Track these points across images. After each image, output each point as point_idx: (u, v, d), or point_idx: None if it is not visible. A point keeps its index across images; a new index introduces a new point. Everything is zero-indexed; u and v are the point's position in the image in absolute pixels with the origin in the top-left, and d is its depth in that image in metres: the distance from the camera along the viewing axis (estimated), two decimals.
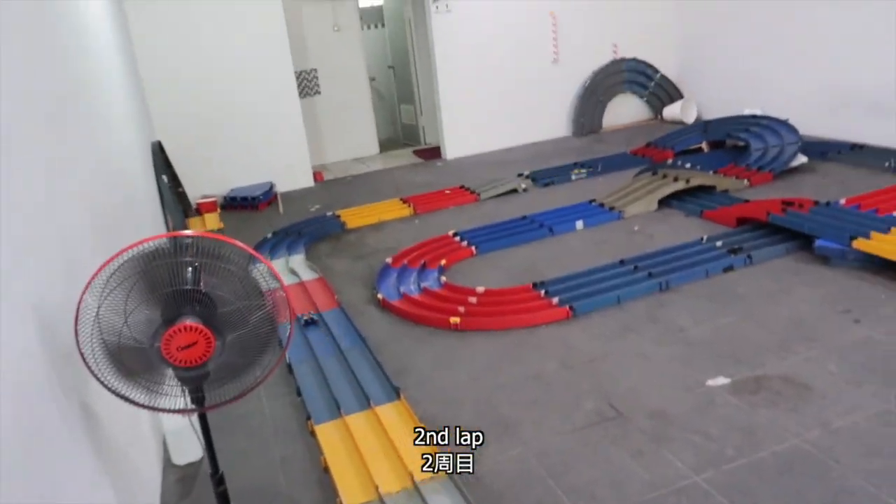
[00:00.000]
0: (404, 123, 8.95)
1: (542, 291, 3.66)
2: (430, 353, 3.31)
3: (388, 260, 4.36)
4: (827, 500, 2.10)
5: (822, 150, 5.65)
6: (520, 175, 6.23)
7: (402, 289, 3.95)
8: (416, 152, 8.04)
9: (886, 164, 5.12)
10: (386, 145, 8.54)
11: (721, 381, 2.77)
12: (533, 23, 7.42)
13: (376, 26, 9.08)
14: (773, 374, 2.78)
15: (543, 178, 6.03)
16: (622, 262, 3.92)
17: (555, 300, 3.54)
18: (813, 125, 5.98)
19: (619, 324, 3.35)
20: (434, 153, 7.75)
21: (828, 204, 4.13)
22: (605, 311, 3.49)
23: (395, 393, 2.89)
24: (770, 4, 6.54)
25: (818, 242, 3.70)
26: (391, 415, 2.77)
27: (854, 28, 5.75)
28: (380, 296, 3.87)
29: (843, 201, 4.29)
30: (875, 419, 2.43)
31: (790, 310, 3.27)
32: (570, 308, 3.47)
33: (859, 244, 3.52)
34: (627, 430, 2.55)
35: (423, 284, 3.97)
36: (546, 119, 7.75)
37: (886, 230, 3.59)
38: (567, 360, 3.09)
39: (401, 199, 5.87)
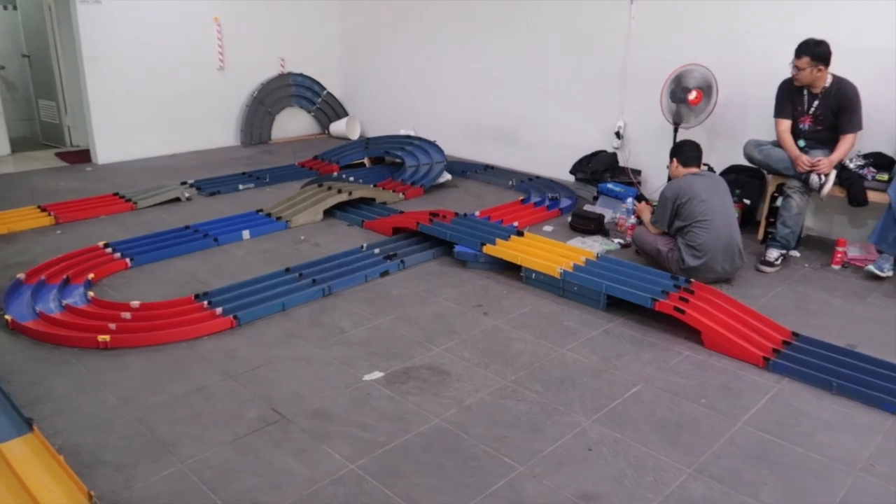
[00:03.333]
0: (44, 121, 7.82)
1: (205, 302, 3.55)
2: (74, 376, 2.97)
3: (21, 276, 3.78)
4: (460, 467, 2.42)
5: (462, 170, 6.50)
6: (183, 183, 5.93)
7: (39, 307, 3.46)
8: (60, 155, 7.10)
9: (510, 182, 6.11)
10: (20, 145, 7.37)
11: (376, 375, 3.01)
12: (197, 27, 7.13)
13: (6, 7, 7.79)
14: (421, 364, 3.11)
15: (209, 188, 5.83)
16: (288, 270, 4.00)
17: (218, 310, 3.45)
18: (455, 147, 6.85)
19: (284, 330, 3.41)
20: (83, 156, 6.93)
21: (465, 215, 4.76)
22: (271, 319, 3.52)
23: (26, 425, 2.52)
24: (414, 49, 7.34)
25: (457, 248, 4.25)
26: (22, 450, 2.41)
27: (481, 72, 6.74)
28: (8, 317, 3.34)
29: (477, 213, 4.99)
30: (496, 394, 2.88)
31: (436, 308, 3.70)
32: (235, 317, 3.42)
33: (488, 249, 4.15)
34: (290, 432, 2.61)
35: (65, 301, 3.53)
36: (213, 127, 7.50)
37: (507, 237, 4.28)
38: (231, 370, 3.04)
39: (39, 207, 5.12)
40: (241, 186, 5.94)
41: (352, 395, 2.86)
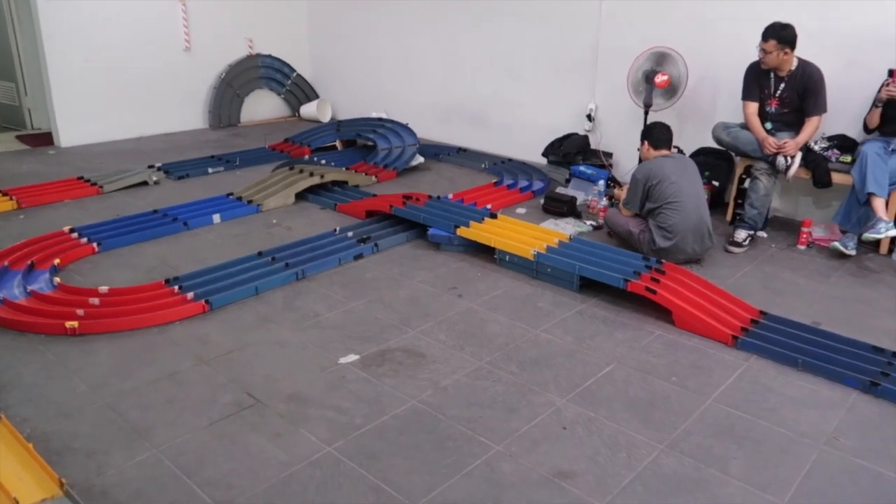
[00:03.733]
0: (3, 103, 7.59)
1: (176, 287, 3.50)
2: (41, 364, 2.91)
3: None
4: (436, 447, 2.44)
5: (435, 152, 6.48)
6: (151, 167, 5.81)
7: (3, 294, 3.38)
8: (21, 138, 6.91)
9: (483, 165, 6.11)
10: None
11: (351, 358, 3.01)
12: (162, 5, 6.96)
13: None
14: (396, 347, 3.11)
15: (178, 171, 5.73)
16: (260, 254, 3.96)
17: (190, 295, 3.41)
18: (428, 130, 6.82)
19: (257, 315, 3.38)
20: (45, 139, 6.75)
21: (438, 198, 4.76)
22: (244, 303, 3.49)
23: None
24: (385, 31, 7.26)
25: (431, 231, 4.25)
26: None
27: (453, 54, 6.70)
28: None
29: (450, 196, 4.98)
30: (472, 376, 2.90)
31: (410, 290, 3.69)
32: (207, 302, 3.38)
33: (461, 231, 4.15)
34: (265, 416, 2.60)
35: (30, 288, 3.45)
36: (180, 109, 7.35)
37: (481, 220, 4.29)
38: (203, 355, 3.01)
39: (0, 191, 4.98)
40: (210, 170, 5.85)
41: (327, 379, 2.85)
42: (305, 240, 4.23)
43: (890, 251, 4.27)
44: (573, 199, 4.93)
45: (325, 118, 7.89)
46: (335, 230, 4.39)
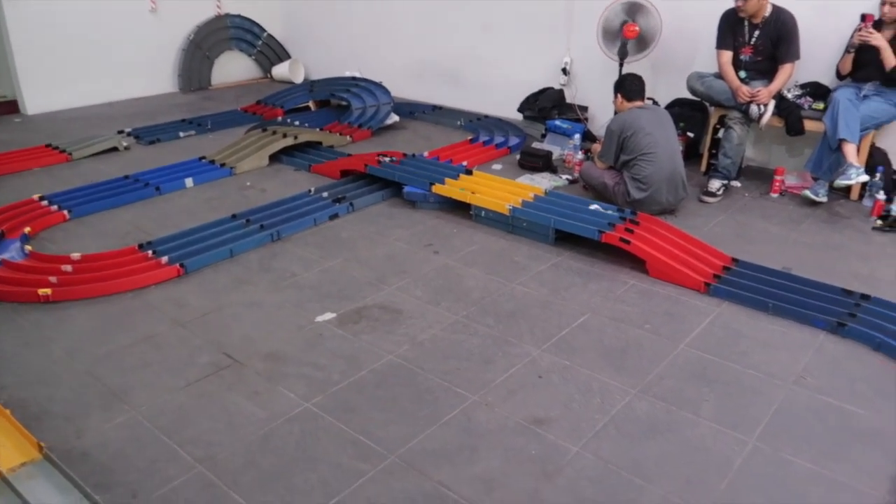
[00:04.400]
0: None
1: (150, 252, 3.47)
2: (15, 332, 2.89)
3: None
4: (414, 400, 2.47)
5: (410, 111, 6.41)
6: (120, 132, 5.70)
7: None
8: None
9: (458, 122, 6.06)
10: None
11: (328, 316, 3.02)
12: None
13: None
14: (373, 304, 3.12)
15: (148, 136, 5.63)
16: (234, 217, 3.93)
17: (164, 259, 3.39)
18: (402, 88, 6.73)
19: (233, 277, 3.37)
20: (10, 107, 6.56)
21: (414, 156, 4.73)
22: (219, 266, 3.47)
23: None
24: None
25: (406, 189, 4.23)
26: None
27: (427, 11, 6.57)
28: None
29: (426, 154, 4.95)
30: (448, 330, 2.93)
31: (386, 249, 3.69)
32: (181, 266, 3.36)
33: (437, 189, 4.14)
34: (243, 376, 2.61)
35: (1, 257, 3.40)
36: (149, 73, 7.18)
37: (456, 177, 4.28)
38: (179, 318, 3.00)
39: None
40: (181, 134, 5.75)
41: (304, 337, 2.87)
42: (280, 201, 4.20)
43: (860, 197, 4.32)
44: (549, 153, 4.92)
45: (298, 79, 7.75)
46: (310, 191, 4.36)
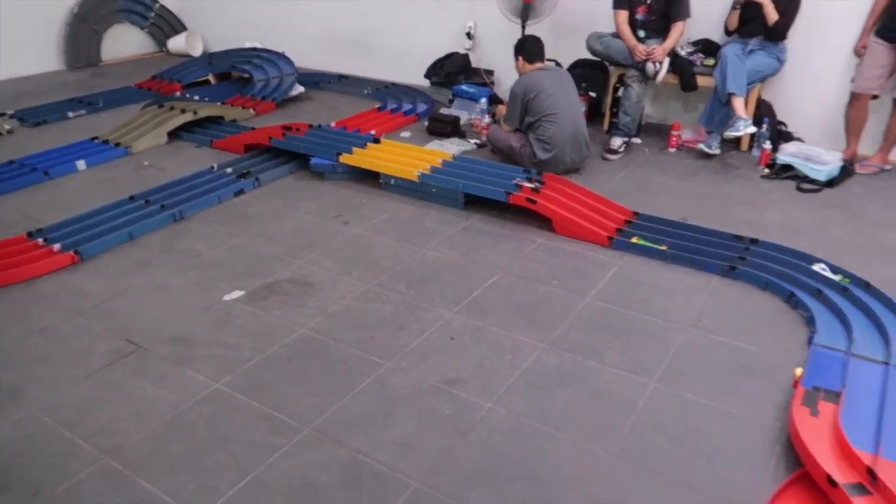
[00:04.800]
0: None
1: (40, 240, 3.28)
2: None
3: None
4: (327, 371, 2.47)
5: (315, 81, 6.26)
6: (3, 114, 5.31)
7: None
8: None
9: (365, 91, 5.98)
10: None
11: (236, 294, 2.95)
12: None
13: None
14: (282, 279, 3.07)
15: (33, 117, 5.27)
16: (132, 198, 3.75)
17: (56, 247, 3.21)
18: (307, 58, 6.55)
19: (133, 260, 3.24)
20: None
21: (320, 126, 4.63)
22: (118, 251, 3.32)
23: None
24: None
25: (313, 160, 4.15)
26: None
27: None
28: None
29: (333, 124, 4.86)
30: (360, 299, 2.92)
31: (294, 222, 3.63)
32: (76, 252, 3.19)
33: (344, 159, 4.08)
34: (148, 361, 2.53)
35: None
36: (31, 50, 6.68)
37: (364, 145, 4.23)
38: (77, 306, 2.86)
39: None
40: (70, 114, 5.41)
41: (212, 317, 2.80)
42: (181, 179, 4.04)
43: (749, 147, 4.56)
44: (457, 118, 4.93)
45: (196, 52, 7.41)
46: (213, 167, 4.21)
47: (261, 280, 3.06)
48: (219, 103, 5.42)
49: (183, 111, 4.95)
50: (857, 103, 4.22)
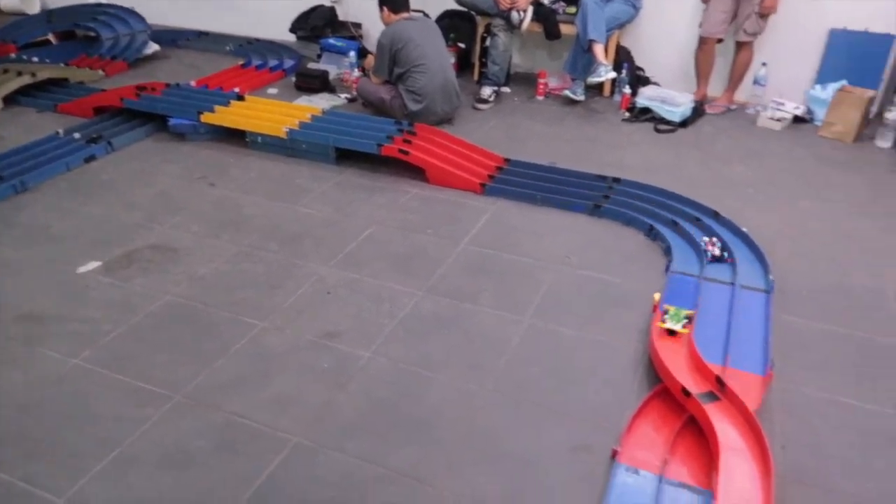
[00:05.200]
0: None
1: None
2: None
3: None
4: (197, 337, 2.36)
5: (172, 38, 5.86)
6: None
7: None
8: None
9: (227, 47, 5.67)
10: None
11: (93, 265, 2.75)
12: None
13: None
14: (144, 246, 2.90)
15: None
16: None
17: None
18: (161, 15, 6.10)
19: None
20: None
21: (178, 85, 4.35)
22: None
23: None
24: None
25: (172, 121, 3.91)
26: None
27: None
28: None
29: (193, 83, 4.59)
30: (232, 261, 2.81)
31: (155, 186, 3.41)
32: None
33: (206, 118, 3.87)
34: None
35: None
36: None
37: (227, 103, 4.02)
38: None
39: None
40: None
41: (65, 292, 2.59)
42: (22, 147, 3.68)
43: (611, 93, 4.75)
44: (325, 73, 4.79)
45: (32, 9, 6.69)
46: (58, 133, 3.86)
47: (120, 249, 2.87)
48: (61, 64, 4.96)
49: (20, 74, 4.49)
50: (704, 47, 4.49)
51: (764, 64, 4.48)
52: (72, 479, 1.81)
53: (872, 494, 1.82)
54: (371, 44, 5.38)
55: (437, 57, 4.08)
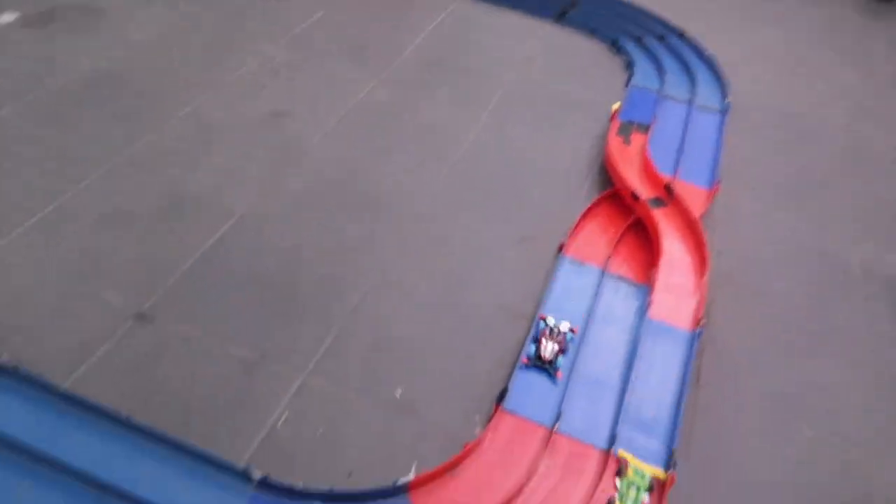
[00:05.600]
0: None
1: None
2: None
3: None
4: (130, 103, 2.19)
5: None
6: None
7: None
8: None
9: None
10: None
11: (8, 17, 2.46)
12: None
13: None
14: (68, 4, 2.59)
15: None
16: None
17: None
18: None
19: None
20: None
21: None
22: None
23: None
24: None
25: None
26: None
27: None
28: None
29: None
30: (165, 29, 2.56)
31: None
32: None
33: None
34: None
35: None
36: None
37: None
38: None
39: None
40: None
41: None
42: None
43: None
44: None
45: None
46: None
47: (42, 5, 2.55)
48: None
49: None
50: None
51: None
52: (3, 235, 1.72)
53: (794, 296, 1.95)
54: None
55: None
